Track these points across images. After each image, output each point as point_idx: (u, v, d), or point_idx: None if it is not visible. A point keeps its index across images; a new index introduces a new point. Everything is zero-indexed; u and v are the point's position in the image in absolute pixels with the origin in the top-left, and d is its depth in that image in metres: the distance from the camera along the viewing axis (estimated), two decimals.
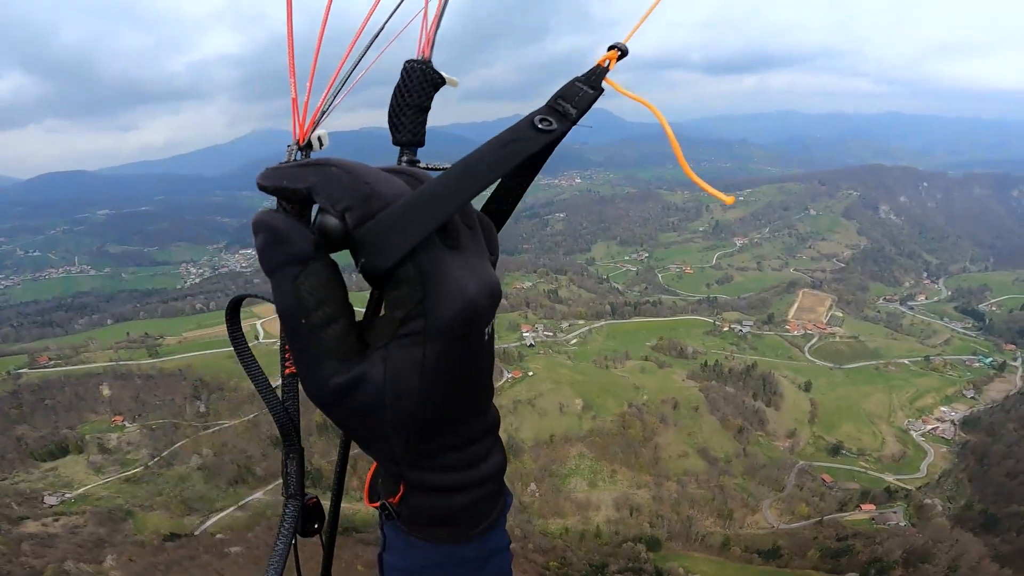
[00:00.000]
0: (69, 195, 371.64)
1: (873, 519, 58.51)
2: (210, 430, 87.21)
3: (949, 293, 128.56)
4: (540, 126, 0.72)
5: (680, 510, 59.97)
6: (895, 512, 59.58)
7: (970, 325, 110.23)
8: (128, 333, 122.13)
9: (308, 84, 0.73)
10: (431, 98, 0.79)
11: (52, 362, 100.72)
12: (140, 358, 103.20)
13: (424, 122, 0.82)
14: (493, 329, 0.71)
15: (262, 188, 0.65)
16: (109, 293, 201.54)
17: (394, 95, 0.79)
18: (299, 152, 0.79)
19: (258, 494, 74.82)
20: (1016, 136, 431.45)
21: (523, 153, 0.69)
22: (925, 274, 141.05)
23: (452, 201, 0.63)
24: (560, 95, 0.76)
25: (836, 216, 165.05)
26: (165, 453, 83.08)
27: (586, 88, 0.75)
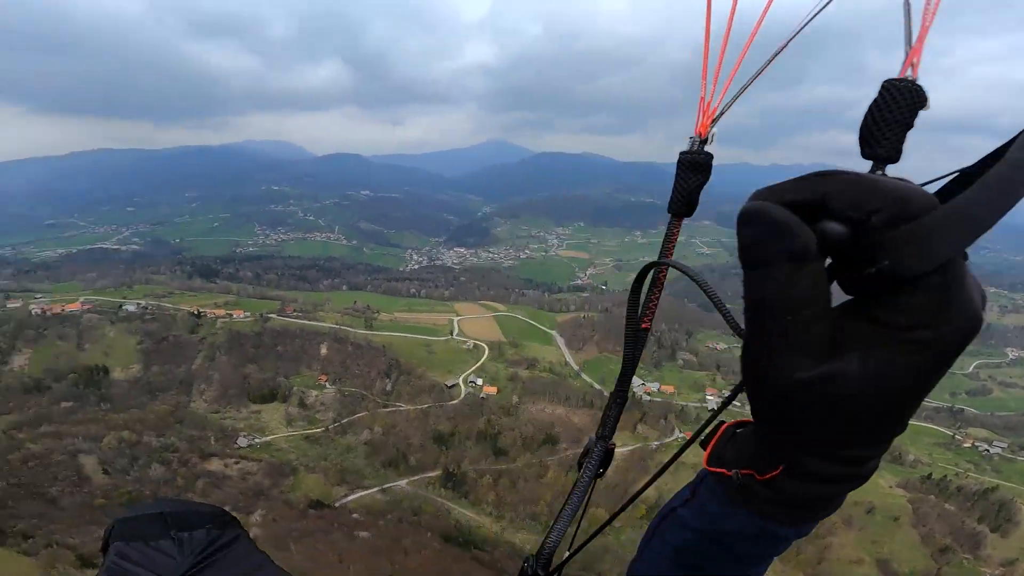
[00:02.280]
0: (345, 175, 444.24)
1: None
2: (387, 409, 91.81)
3: None
4: None
5: None
6: None
7: None
8: (355, 302, 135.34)
9: (713, 81, 0.74)
10: (916, 116, 0.72)
11: (295, 313, 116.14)
12: (358, 327, 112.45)
13: (904, 139, 0.74)
14: None
15: (755, 216, 0.60)
16: (351, 262, 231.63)
17: (873, 110, 0.72)
18: (700, 144, 0.84)
19: (402, 482, 76.56)
20: None
21: None
22: None
23: (1001, 209, 0.57)
24: None
25: None
26: (344, 421, 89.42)
27: None
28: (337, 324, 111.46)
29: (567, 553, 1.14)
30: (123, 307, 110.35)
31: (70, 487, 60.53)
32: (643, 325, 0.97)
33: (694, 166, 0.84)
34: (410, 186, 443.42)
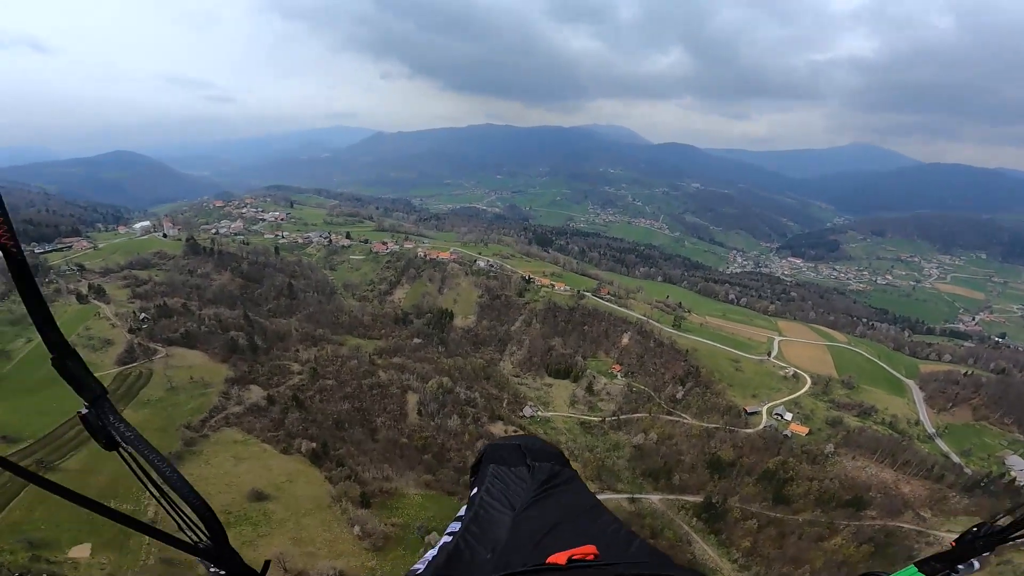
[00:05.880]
0: (676, 164, 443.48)
1: None
2: (670, 417, 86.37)
3: None
4: None
5: None
6: None
7: None
8: (667, 296, 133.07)
9: None
10: None
11: (608, 296, 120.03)
12: (664, 323, 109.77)
13: None
14: None
15: None
16: (670, 253, 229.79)
17: None
18: None
19: (655, 497, 70.68)
20: None
21: None
22: None
23: None
24: None
25: None
26: (623, 416, 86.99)
27: None
28: (645, 316, 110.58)
29: None
30: (476, 262, 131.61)
31: (390, 420, 73.01)
32: None
33: None
34: (745, 183, 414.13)
